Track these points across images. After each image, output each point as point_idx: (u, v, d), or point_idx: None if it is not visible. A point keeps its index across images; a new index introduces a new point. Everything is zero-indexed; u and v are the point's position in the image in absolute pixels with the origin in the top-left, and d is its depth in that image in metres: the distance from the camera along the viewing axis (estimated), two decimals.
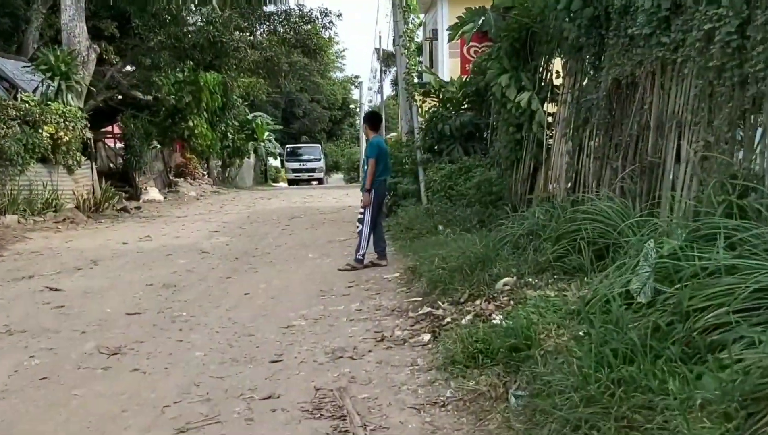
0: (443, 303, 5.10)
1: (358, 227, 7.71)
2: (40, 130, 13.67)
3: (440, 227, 9.05)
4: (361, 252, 7.54)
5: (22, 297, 6.77)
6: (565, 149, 7.54)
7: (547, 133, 8.42)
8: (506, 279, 5.07)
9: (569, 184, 7.34)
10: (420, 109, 13.22)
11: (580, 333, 3.27)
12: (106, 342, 5.01)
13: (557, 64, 8.40)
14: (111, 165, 21.86)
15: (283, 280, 7.21)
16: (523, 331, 3.58)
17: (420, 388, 3.69)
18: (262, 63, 22.56)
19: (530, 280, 5.05)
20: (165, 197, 21.21)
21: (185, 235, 11.78)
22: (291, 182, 41.65)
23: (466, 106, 12.59)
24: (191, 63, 22.03)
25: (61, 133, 14.14)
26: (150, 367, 4.41)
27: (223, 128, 30.39)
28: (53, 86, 14.81)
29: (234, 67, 22.30)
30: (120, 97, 22.97)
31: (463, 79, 12.75)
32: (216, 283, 7.21)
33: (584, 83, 7.29)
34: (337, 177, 65.93)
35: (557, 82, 8.40)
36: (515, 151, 9.08)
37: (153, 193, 20.63)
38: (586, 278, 4.58)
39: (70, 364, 4.53)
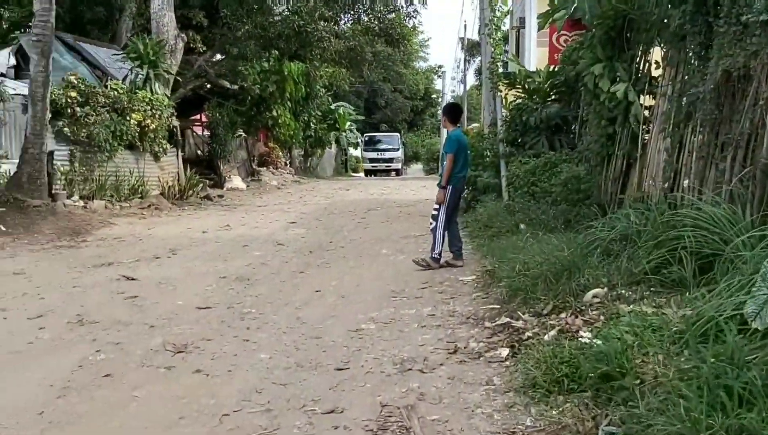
0: (524, 314, 4.70)
1: (431, 224, 7.35)
2: (128, 118, 14.02)
3: (522, 226, 8.58)
4: (436, 251, 7.20)
5: (98, 285, 6.82)
6: (663, 146, 6.93)
7: (643, 127, 7.79)
8: (596, 290, 4.62)
9: (666, 184, 6.73)
10: (504, 100, 12.69)
11: (687, 365, 2.82)
12: (173, 338, 4.90)
13: (656, 53, 7.77)
14: (198, 152, 22.36)
15: (354, 278, 6.97)
16: (616, 356, 3.15)
17: (496, 413, 3.33)
18: (345, 53, 22.50)
19: (623, 292, 4.57)
20: (247, 186, 21.51)
21: (263, 226, 11.77)
22: (368, 172, 40.46)
23: (553, 97, 11.98)
24: (276, 53, 22.21)
25: (148, 121, 14.46)
26: (213, 368, 4.24)
27: (305, 118, 30.63)
28: (142, 74, 15.17)
29: (318, 56, 22.31)
30: (208, 86, 23.49)
31: (551, 69, 12.14)
32: (288, 278, 7.04)
33: (687, 75, 6.66)
34: (416, 167, 65.67)
35: (656, 73, 7.76)
36: (607, 146, 8.49)
37: (236, 181, 20.94)
38: (687, 294, 4.08)
39: (135, 361, 4.43)
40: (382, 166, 40.42)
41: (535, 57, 18.02)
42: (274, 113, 24.81)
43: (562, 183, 8.50)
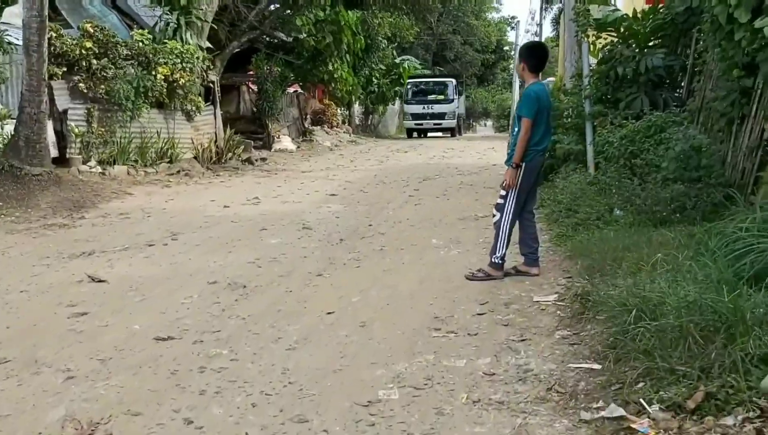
0: (649, 401, 2.70)
1: (494, 217, 5.30)
2: (153, 72, 12.38)
3: (617, 212, 6.47)
4: (498, 254, 5.15)
5: (51, 290, 5.19)
6: None
7: None
8: None
9: None
10: (592, 47, 10.34)
11: None
12: (85, 409, 3.16)
13: None
14: (254, 110, 20.78)
15: (387, 288, 5.06)
16: None
17: None
18: None
19: None
20: (298, 147, 19.84)
21: (297, 199, 10.00)
22: (410, 133, 32.01)
23: (654, 42, 9.57)
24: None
25: (177, 75, 12.79)
26: None
27: (366, 72, 28.55)
28: (172, 22, 13.47)
29: (377, 2, 20.10)
30: (266, 38, 21.80)
31: (653, 8, 9.69)
32: (299, 286, 5.21)
33: None
34: (488, 124, 62.69)
35: None
36: (739, 105, 6.22)
37: (285, 142, 19.30)
38: None
39: None
40: (430, 123, 31.05)
41: None
42: (330, 67, 22.82)
43: (675, 156, 6.28)
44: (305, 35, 21.09)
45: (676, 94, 9.21)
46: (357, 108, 33.28)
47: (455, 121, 31.88)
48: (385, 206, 9.16)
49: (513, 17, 57.31)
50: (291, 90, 23.09)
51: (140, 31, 12.76)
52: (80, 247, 6.73)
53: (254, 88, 21.21)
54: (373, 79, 29.98)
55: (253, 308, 4.65)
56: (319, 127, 23.20)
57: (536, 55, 5.28)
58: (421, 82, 32.69)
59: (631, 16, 9.76)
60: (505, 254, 5.19)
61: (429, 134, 31.82)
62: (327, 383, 3.36)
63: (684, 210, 5.93)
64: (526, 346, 3.72)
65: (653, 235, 5.19)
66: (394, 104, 35.33)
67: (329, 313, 4.48)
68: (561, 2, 37.04)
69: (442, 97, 31.23)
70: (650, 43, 9.50)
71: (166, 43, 12.86)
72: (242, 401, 3.18)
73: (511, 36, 55.43)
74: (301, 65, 23.17)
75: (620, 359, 3.11)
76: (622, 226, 5.93)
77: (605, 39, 10.58)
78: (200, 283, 5.33)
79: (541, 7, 35.14)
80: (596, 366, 3.27)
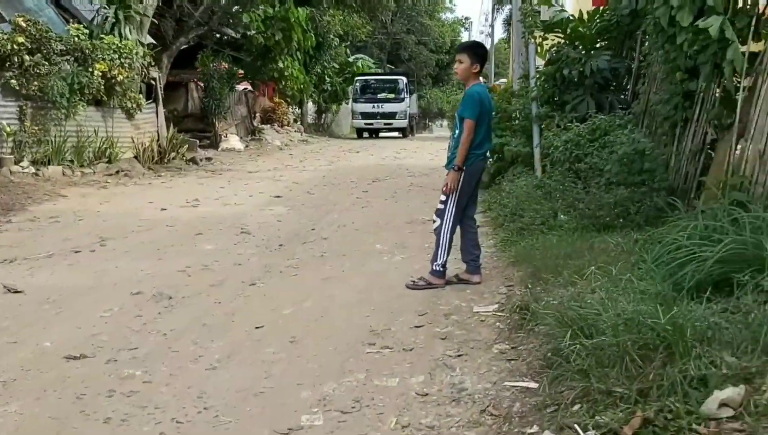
0: (586, 427, 2.52)
1: (434, 223, 5.12)
2: (90, 69, 11.86)
3: (561, 217, 6.36)
4: (439, 261, 4.97)
5: None
6: None
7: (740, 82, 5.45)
8: (727, 392, 2.43)
9: None
10: (539, 49, 10.28)
11: None
12: None
13: None
14: (203, 108, 20.21)
15: (323, 299, 4.82)
16: None
17: None
18: None
19: None
20: (246, 146, 19.42)
21: (240, 201, 9.66)
22: (360, 132, 30.70)
23: (600, 44, 9.56)
24: None
25: (115, 72, 12.28)
26: None
27: (319, 70, 28.24)
28: (111, 16, 12.94)
29: None
30: (216, 35, 21.31)
31: (599, 10, 9.68)
32: (229, 297, 4.93)
33: None
34: (442, 124, 62.85)
35: None
36: (683, 108, 6.18)
37: (233, 141, 18.85)
38: None
39: None
40: (380, 123, 29.79)
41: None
42: (281, 65, 22.45)
43: (618, 159, 6.20)
44: (254, 32, 20.69)
45: (622, 97, 9.20)
46: (310, 106, 32.90)
47: (407, 120, 30.63)
48: (331, 209, 8.91)
49: (467, 18, 57.67)
50: (240, 87, 22.63)
51: (76, 25, 12.20)
52: (2, 254, 6.30)
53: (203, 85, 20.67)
54: (326, 78, 29.66)
55: (176, 322, 4.35)
56: (269, 126, 22.78)
57: (481, 54, 5.09)
58: (370, 79, 31.69)
59: (577, 17, 9.74)
60: (446, 262, 5.00)
61: (381, 134, 31.03)
62: (246, 408, 3.10)
63: (627, 215, 5.86)
64: (463, 363, 3.53)
65: (596, 241, 5.08)
66: (348, 103, 35.08)
67: (258, 327, 4.21)
68: (511, 3, 37.37)
69: (392, 95, 30.16)
70: (597, 45, 9.49)
71: (103, 38, 12.34)
72: (150, 431, 2.90)
73: (464, 36, 55.71)
74: (251, 63, 22.72)
75: (557, 378, 2.94)
76: (566, 232, 5.81)
77: (552, 40, 10.54)
78: (123, 293, 4.99)
79: (493, 8, 35.32)
80: (533, 385, 3.10)
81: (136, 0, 13.16)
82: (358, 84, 30.68)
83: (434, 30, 53.60)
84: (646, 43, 7.92)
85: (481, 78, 5.21)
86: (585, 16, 9.51)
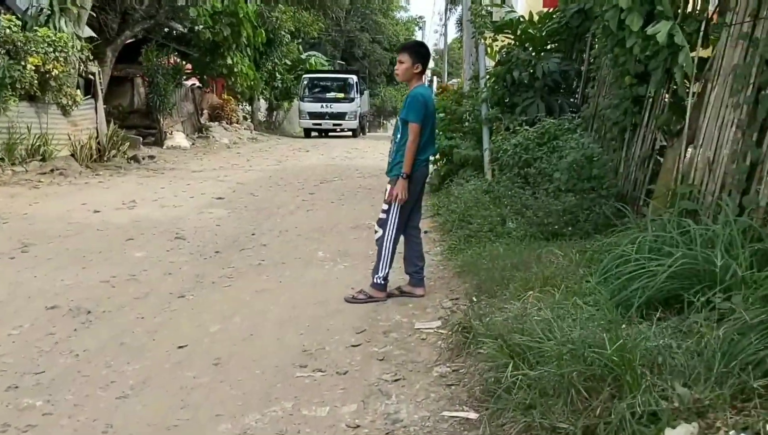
0: None
1: (376, 233, 4.85)
2: (23, 62, 11.21)
3: (510, 224, 6.17)
4: (381, 273, 4.70)
5: None
6: (734, 117, 4.49)
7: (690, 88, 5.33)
8: (679, 430, 2.22)
9: (736, 180, 4.33)
10: (489, 51, 10.13)
11: None
12: None
13: None
14: (149, 104, 19.48)
15: (254, 315, 4.49)
16: None
17: None
18: None
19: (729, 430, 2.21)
20: (192, 144, 18.83)
21: (179, 203, 9.21)
22: (308, 132, 28.70)
23: (550, 46, 9.45)
24: None
25: (50, 66, 11.65)
26: None
27: (269, 67, 27.68)
28: (46, 8, 12.28)
29: None
30: (166, 30, 20.64)
31: (549, 12, 9.56)
32: (153, 311, 4.56)
33: None
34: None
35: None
36: (632, 114, 6.06)
37: (178, 138, 18.25)
38: None
39: None
40: (329, 124, 28.12)
41: (526, 2, 15.45)
42: (229, 61, 21.86)
43: (567, 165, 6.05)
44: (201, 27, 20.11)
45: (572, 100, 9.11)
46: (261, 104, 32.30)
47: (357, 121, 29.19)
48: (275, 212, 8.56)
49: (420, 17, 57.64)
50: (189, 83, 22.00)
51: (8, 17, 11.52)
52: None
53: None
54: (277, 75, 29.11)
55: (92, 341, 3.97)
56: (217, 123, 22.17)
57: (423, 54, 4.83)
58: (319, 77, 30.00)
59: (527, 19, 9.61)
60: (388, 274, 4.74)
61: (331, 133, 30.08)
62: None
63: (576, 222, 5.70)
64: (399, 388, 3.27)
65: (543, 251, 4.88)
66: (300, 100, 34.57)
67: (181, 347, 3.87)
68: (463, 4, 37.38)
69: (342, 95, 28.64)
70: (547, 47, 9.38)
71: (37, 30, 11.68)
72: None
73: (418, 35, 55.70)
74: (200, 58, 22.08)
75: (498, 411, 2.70)
76: (514, 240, 5.63)
77: (502, 41, 10.41)
78: (38, 307, 4.58)
79: (446, 8, 35.28)
80: (473, 415, 2.85)
81: None
82: (306, 81, 28.97)
83: (388, 28, 53.44)
84: (596, 46, 7.81)
85: (424, 78, 4.96)
86: (535, 18, 9.39)
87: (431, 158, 6.90)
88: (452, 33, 42.70)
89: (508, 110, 9.21)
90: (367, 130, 32.95)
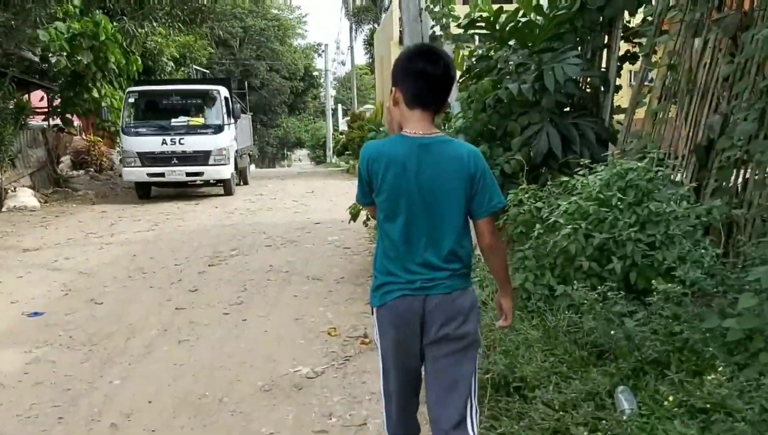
0: None
1: None
2: None
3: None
4: None
5: None
6: None
7: None
8: None
9: None
10: (456, 55, 6.78)
11: None
12: None
13: None
14: None
15: None
16: None
17: None
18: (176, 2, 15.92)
19: None
20: (45, 201, 14.44)
21: None
22: (145, 191, 15.22)
23: (555, 44, 6.19)
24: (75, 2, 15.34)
25: None
26: None
27: None
28: None
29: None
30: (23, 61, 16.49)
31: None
32: None
33: None
34: (301, 153, 58.89)
35: None
36: None
37: (24, 196, 13.85)
38: None
39: None
40: (178, 173, 14.68)
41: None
42: (96, 94, 17.64)
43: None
44: (55, 52, 15.95)
45: (596, 122, 5.87)
46: None
47: (230, 165, 15.37)
48: (113, 355, 4.70)
49: (320, 44, 54.46)
50: (38, 124, 17.64)
51: None
52: None
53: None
54: None
55: None
56: (83, 172, 17.76)
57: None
58: (158, 91, 16.72)
59: (524, 4, 6.29)
60: None
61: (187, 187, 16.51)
62: None
63: None
64: None
65: None
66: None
67: None
68: (371, 23, 34.49)
69: (200, 120, 15.43)
70: (551, 44, 6.11)
71: None
72: None
73: (319, 63, 52.55)
74: (61, 92, 17.85)
75: None
76: None
77: (469, 48, 7.19)
78: None
79: (351, 28, 32.17)
80: None
81: None
82: (131, 99, 15.55)
83: (287, 56, 50.07)
84: (647, 36, 4.60)
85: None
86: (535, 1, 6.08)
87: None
88: (358, 58, 39.64)
89: (496, 144, 5.87)
90: (249, 176, 19.55)
